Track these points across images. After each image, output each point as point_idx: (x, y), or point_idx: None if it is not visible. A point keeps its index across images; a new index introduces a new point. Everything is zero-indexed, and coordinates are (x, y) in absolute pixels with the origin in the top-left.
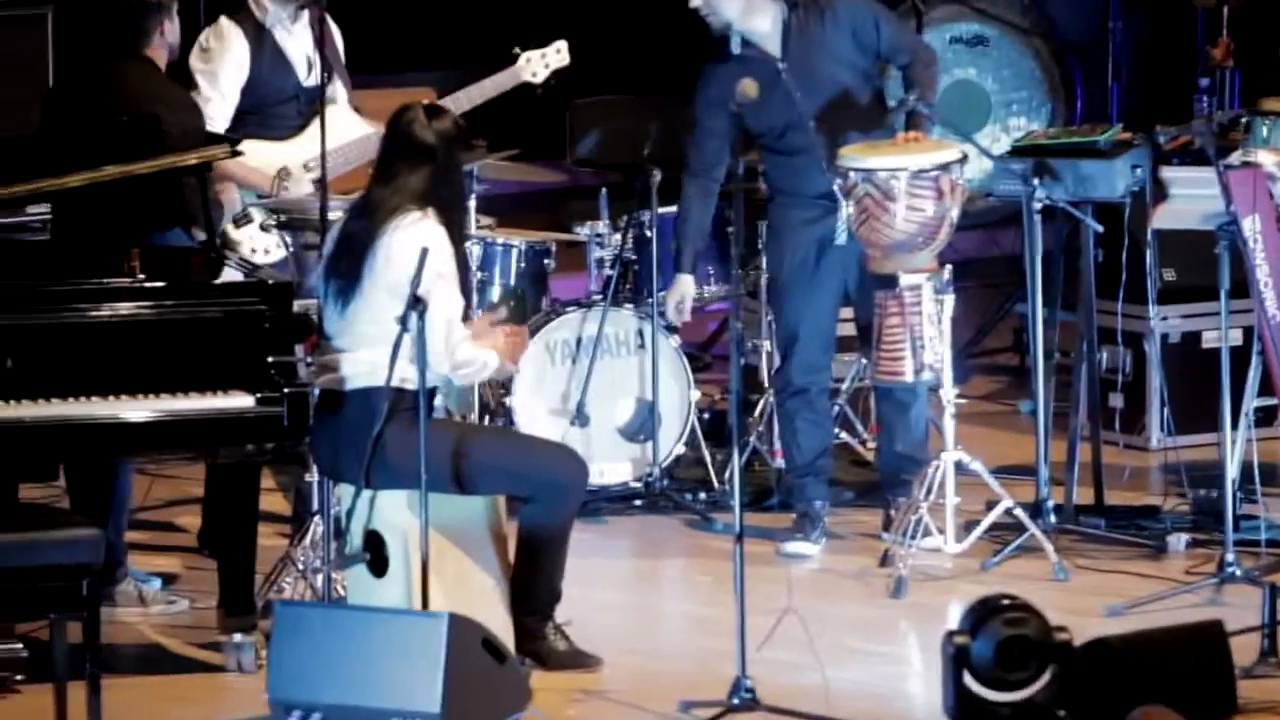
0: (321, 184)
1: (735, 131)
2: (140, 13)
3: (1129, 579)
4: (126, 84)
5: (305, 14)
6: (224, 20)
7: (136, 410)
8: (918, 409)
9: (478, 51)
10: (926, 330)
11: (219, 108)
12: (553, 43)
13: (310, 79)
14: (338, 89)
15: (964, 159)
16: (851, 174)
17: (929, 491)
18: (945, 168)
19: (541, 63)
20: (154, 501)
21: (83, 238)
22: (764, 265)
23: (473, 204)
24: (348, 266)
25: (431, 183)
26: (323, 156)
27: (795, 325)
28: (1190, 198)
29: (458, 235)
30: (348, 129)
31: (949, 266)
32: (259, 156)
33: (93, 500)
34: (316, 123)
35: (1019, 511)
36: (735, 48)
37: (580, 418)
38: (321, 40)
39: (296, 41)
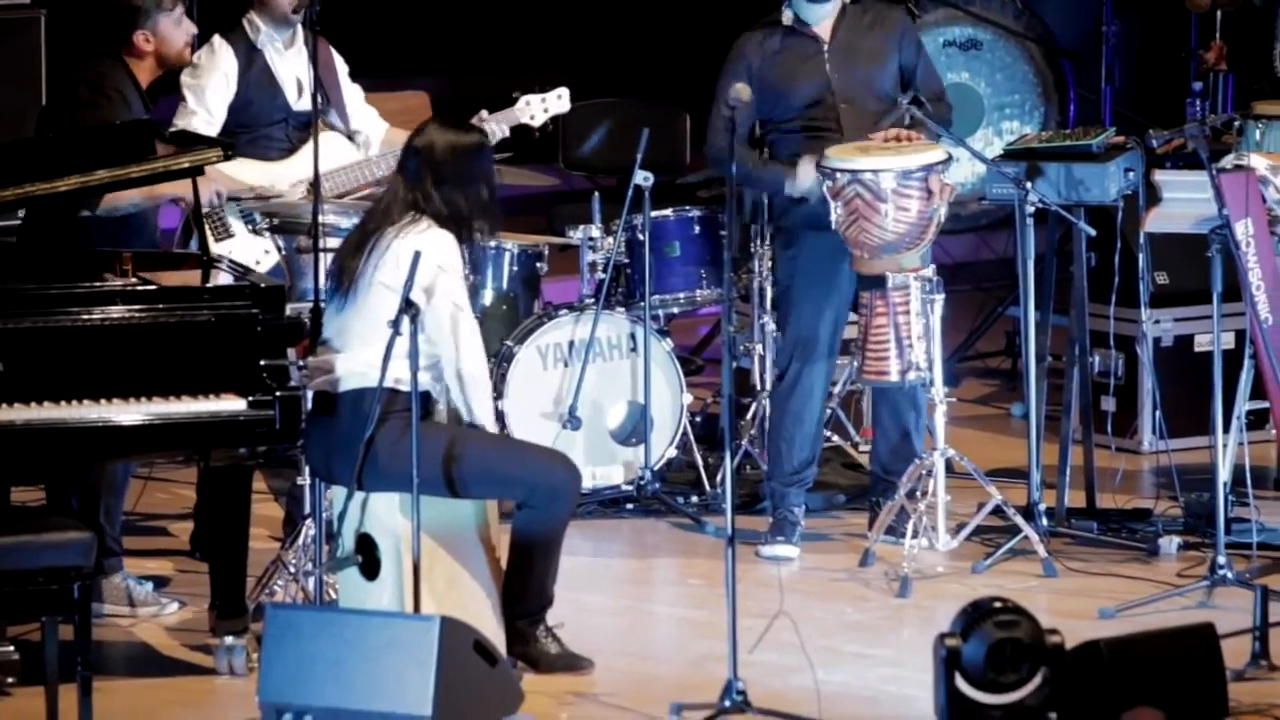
0: (315, 189)
1: (754, 113)
2: (116, 14)
3: (1120, 582)
4: (77, 80)
5: (300, 37)
6: (216, 38)
7: (128, 413)
8: (916, 413)
9: (475, 57)
10: (914, 330)
11: (204, 122)
12: (555, 88)
13: (300, 103)
14: (334, 118)
15: (950, 159)
16: (839, 175)
17: (923, 492)
18: (932, 167)
19: (541, 106)
20: (146, 507)
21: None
22: (762, 270)
23: None
24: (350, 266)
25: (436, 190)
26: (315, 162)
27: (805, 332)
28: (1183, 201)
29: (469, 245)
30: (340, 154)
31: (933, 266)
32: (248, 174)
33: (69, 500)
34: (307, 147)
35: (1012, 512)
36: (786, 19)
37: (572, 421)
38: (315, 61)
39: (288, 64)
